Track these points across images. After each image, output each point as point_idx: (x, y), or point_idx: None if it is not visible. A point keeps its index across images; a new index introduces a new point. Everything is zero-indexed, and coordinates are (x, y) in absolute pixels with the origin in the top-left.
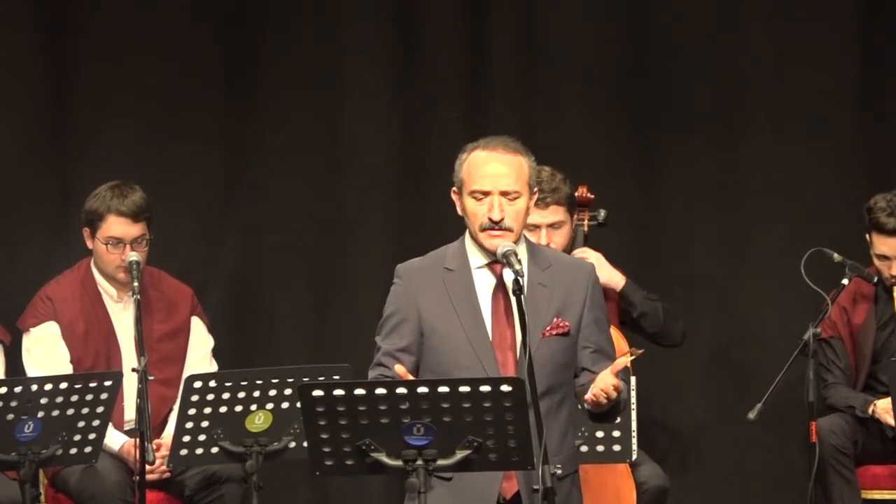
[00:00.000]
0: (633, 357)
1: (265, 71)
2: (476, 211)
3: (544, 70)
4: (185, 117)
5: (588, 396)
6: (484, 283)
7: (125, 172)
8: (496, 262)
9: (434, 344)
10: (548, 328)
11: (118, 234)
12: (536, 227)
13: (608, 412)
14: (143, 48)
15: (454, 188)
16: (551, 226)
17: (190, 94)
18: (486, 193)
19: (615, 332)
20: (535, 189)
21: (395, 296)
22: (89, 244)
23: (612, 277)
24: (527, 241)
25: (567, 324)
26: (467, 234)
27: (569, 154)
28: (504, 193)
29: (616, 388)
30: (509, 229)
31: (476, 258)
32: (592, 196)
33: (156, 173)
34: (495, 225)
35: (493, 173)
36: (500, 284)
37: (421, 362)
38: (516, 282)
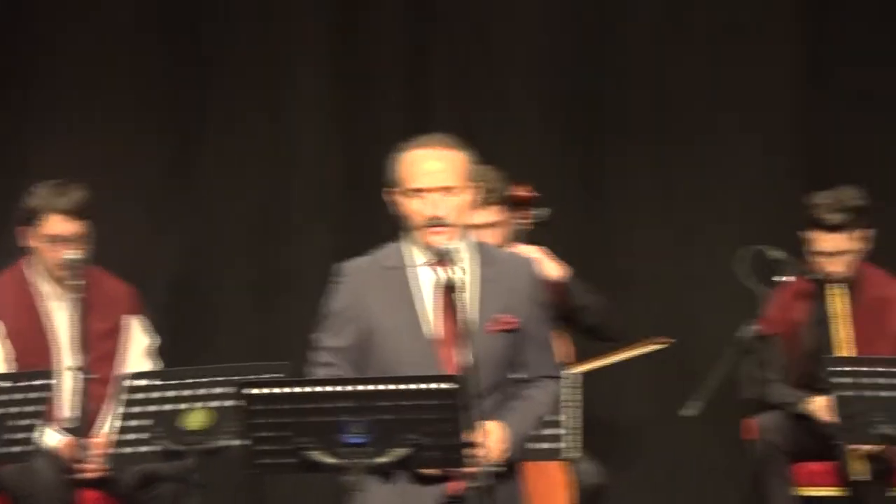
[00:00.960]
0: (661, 346)
1: (209, 71)
2: (416, 209)
3: (486, 70)
4: (127, 117)
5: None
6: (426, 280)
7: (66, 171)
8: (437, 260)
9: (378, 342)
10: (492, 324)
11: (58, 231)
12: (473, 226)
13: None
14: (87, 48)
15: (391, 188)
16: (486, 225)
17: (133, 94)
18: (426, 190)
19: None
20: (478, 183)
21: (336, 294)
22: (27, 242)
23: (553, 270)
24: (470, 236)
25: (512, 320)
26: (407, 232)
27: (511, 153)
28: (443, 189)
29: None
30: (449, 225)
31: (416, 256)
32: (534, 195)
33: (97, 172)
34: (436, 222)
35: (430, 170)
36: (441, 281)
37: (363, 361)
38: (458, 278)
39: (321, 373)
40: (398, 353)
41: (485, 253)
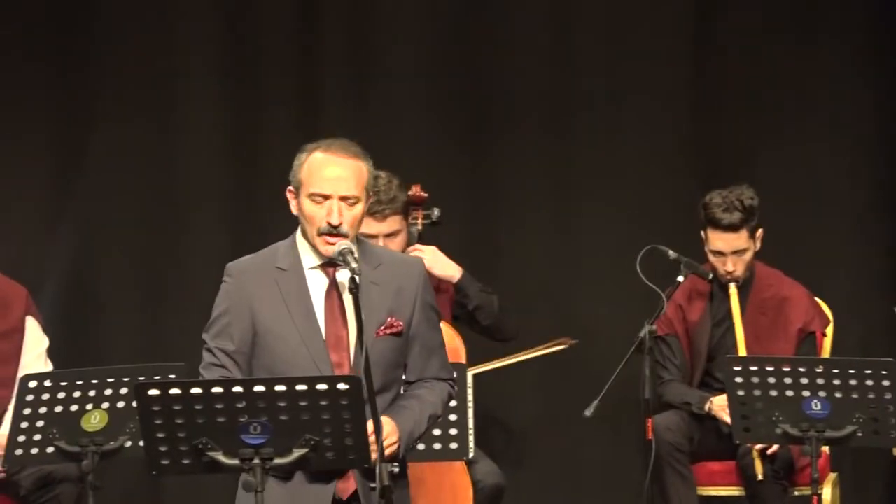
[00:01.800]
0: (565, 346)
1: (98, 68)
2: (314, 214)
3: (375, 69)
4: (15, 113)
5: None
6: (317, 283)
7: None
8: (329, 263)
9: (267, 344)
10: (381, 328)
11: None
12: (373, 237)
13: None
14: None
15: (290, 187)
16: (388, 235)
17: (21, 90)
18: (326, 197)
19: (448, 328)
20: (371, 193)
21: (225, 294)
22: None
23: (447, 270)
24: (357, 238)
25: (400, 323)
26: (298, 232)
27: (401, 152)
28: (343, 198)
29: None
30: (345, 235)
31: (309, 258)
32: (426, 195)
33: None
34: (333, 230)
35: (333, 177)
36: (334, 284)
37: (253, 362)
38: (353, 280)
39: (210, 374)
40: (289, 355)
41: (371, 255)
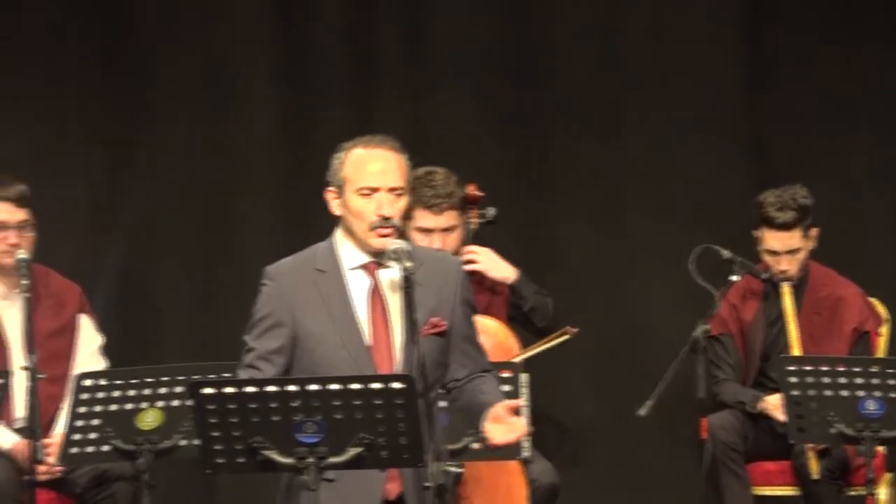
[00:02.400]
0: (568, 336)
1: (151, 67)
2: (363, 209)
3: (431, 68)
4: (68, 113)
5: (503, 441)
6: (359, 284)
7: (6, 168)
8: (371, 262)
9: (308, 347)
10: (425, 327)
11: (2, 219)
12: (430, 231)
13: None
14: (25, 40)
15: (330, 188)
16: (445, 230)
17: (73, 89)
18: (375, 190)
19: (502, 326)
20: (410, 188)
21: (266, 297)
22: None
23: (502, 271)
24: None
25: (444, 323)
26: (338, 233)
27: (457, 152)
28: (391, 190)
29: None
30: (396, 227)
31: (351, 258)
32: (482, 194)
33: (39, 170)
34: (385, 222)
35: (379, 170)
36: (376, 284)
37: (293, 365)
38: (406, 279)
39: (248, 376)
40: (329, 358)
41: (413, 255)
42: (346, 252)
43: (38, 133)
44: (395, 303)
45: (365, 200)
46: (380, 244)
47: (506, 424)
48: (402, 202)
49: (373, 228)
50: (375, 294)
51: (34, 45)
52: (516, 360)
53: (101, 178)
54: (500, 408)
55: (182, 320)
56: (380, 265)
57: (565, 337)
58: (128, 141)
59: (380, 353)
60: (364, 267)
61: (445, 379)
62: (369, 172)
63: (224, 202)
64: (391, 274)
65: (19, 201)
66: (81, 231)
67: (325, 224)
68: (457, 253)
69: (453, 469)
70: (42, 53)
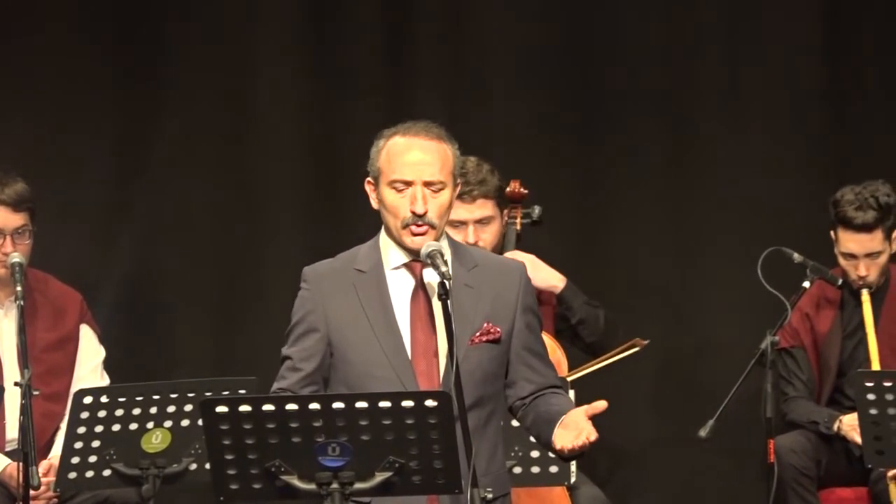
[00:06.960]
0: (638, 348)
1: (163, 57)
2: (397, 204)
3: (473, 56)
4: (73, 109)
5: (568, 447)
6: (400, 285)
7: (6, 166)
8: (415, 260)
9: (345, 354)
10: (477, 334)
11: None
12: (462, 223)
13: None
14: (32, 35)
15: (368, 178)
16: (479, 221)
17: (80, 84)
18: (408, 184)
19: (550, 339)
20: (459, 181)
21: (301, 302)
22: None
23: (549, 279)
24: (449, 238)
25: (499, 330)
26: (382, 231)
27: (500, 146)
28: (428, 184)
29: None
30: (432, 225)
31: (392, 257)
32: (526, 191)
33: (41, 168)
34: (418, 220)
35: (415, 161)
36: (420, 285)
37: (331, 375)
38: (442, 285)
39: (279, 388)
40: (368, 366)
41: (466, 256)
42: (390, 250)
43: (38, 127)
44: (440, 307)
45: (398, 195)
46: (413, 244)
47: (574, 430)
48: (444, 198)
49: (405, 226)
50: (419, 295)
51: (41, 35)
52: (582, 373)
53: (107, 176)
54: (578, 412)
55: (195, 331)
56: (426, 264)
57: (635, 349)
58: (137, 136)
59: (425, 359)
60: (407, 266)
61: (510, 398)
62: (404, 163)
63: (243, 203)
64: (436, 275)
65: (17, 205)
66: (84, 233)
67: (350, 228)
68: (495, 249)
69: (488, 495)
70: (50, 44)
